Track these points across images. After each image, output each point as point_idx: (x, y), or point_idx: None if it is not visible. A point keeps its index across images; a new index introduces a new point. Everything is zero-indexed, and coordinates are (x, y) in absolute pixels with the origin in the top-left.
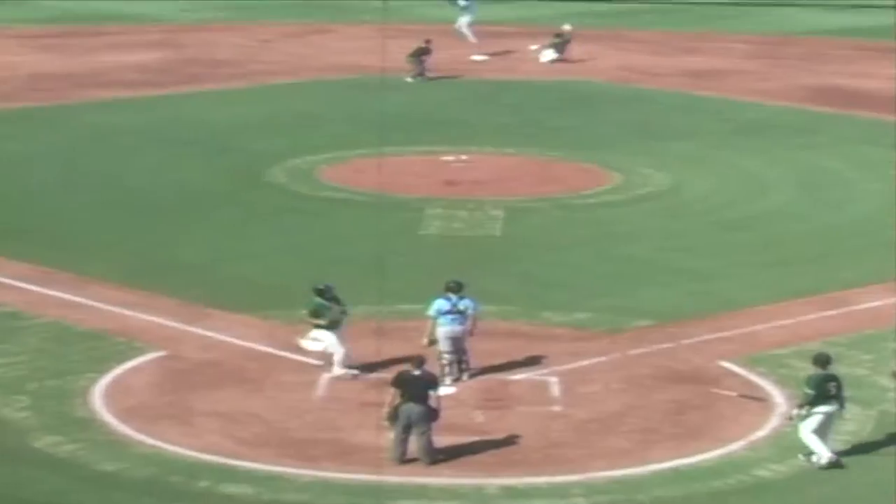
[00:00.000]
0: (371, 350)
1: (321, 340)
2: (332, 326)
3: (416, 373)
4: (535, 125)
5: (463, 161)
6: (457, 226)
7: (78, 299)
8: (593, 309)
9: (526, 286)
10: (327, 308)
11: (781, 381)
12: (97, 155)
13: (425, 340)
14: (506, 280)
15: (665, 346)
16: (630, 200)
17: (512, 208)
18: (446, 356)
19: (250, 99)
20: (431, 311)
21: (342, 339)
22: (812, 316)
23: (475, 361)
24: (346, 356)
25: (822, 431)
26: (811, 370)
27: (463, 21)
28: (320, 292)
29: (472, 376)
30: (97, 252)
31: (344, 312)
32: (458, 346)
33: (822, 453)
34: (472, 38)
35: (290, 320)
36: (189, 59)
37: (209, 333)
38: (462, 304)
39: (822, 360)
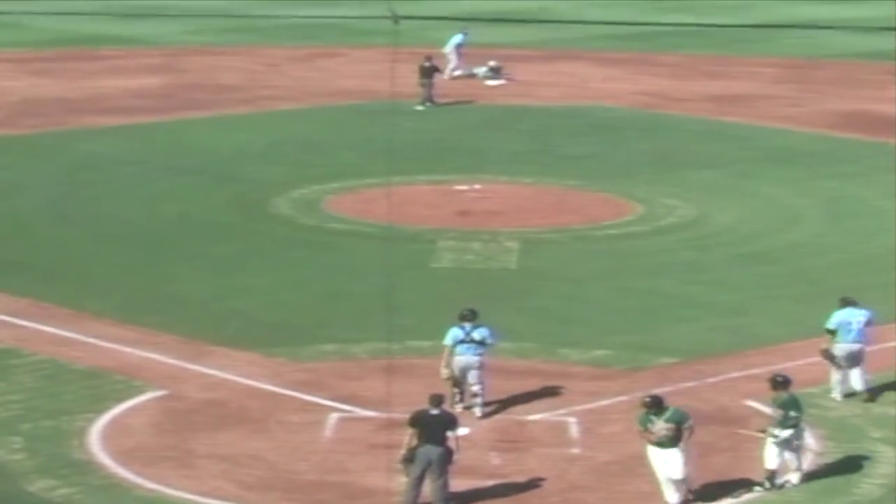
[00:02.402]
0: (380, 389)
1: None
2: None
3: (434, 412)
4: (551, 153)
5: (476, 190)
6: (470, 258)
7: (74, 336)
8: (614, 346)
9: (543, 322)
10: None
11: (813, 422)
12: (94, 185)
13: (444, 371)
14: (522, 315)
15: (689, 384)
16: (652, 232)
17: (528, 240)
18: (457, 387)
19: (254, 126)
20: (448, 340)
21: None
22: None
23: (489, 397)
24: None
25: (790, 451)
26: (779, 393)
27: (453, 42)
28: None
29: (484, 413)
30: (94, 286)
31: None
32: (473, 376)
33: (792, 476)
34: (453, 61)
35: (295, 357)
36: (191, 83)
37: (211, 371)
38: (476, 333)
39: (783, 383)
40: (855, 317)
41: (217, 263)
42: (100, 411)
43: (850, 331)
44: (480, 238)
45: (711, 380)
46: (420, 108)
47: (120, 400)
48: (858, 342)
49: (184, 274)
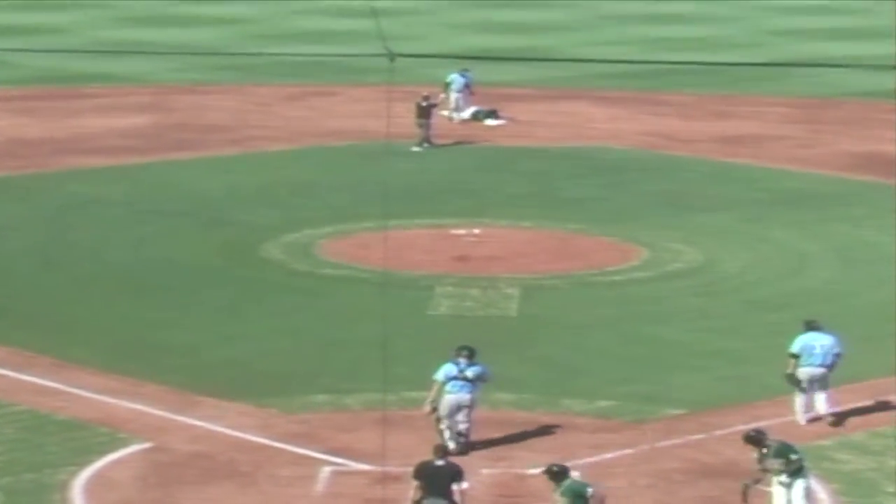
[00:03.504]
0: (375, 441)
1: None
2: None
3: (439, 463)
4: (553, 195)
5: (475, 235)
6: (469, 305)
7: (56, 385)
8: (618, 396)
9: (544, 371)
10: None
11: (825, 476)
12: (79, 227)
13: (428, 406)
14: (522, 364)
15: (697, 436)
16: (658, 277)
17: (528, 286)
18: (445, 422)
19: (245, 167)
20: (439, 376)
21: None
22: (857, 404)
23: (486, 451)
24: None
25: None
26: (765, 446)
27: (458, 84)
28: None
29: (462, 450)
30: (78, 334)
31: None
32: (463, 414)
33: None
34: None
35: (287, 408)
36: (179, 123)
37: (199, 423)
38: (470, 371)
39: (760, 435)
40: (819, 341)
41: (206, 310)
42: (83, 464)
43: (813, 355)
44: (479, 284)
45: (719, 432)
46: (417, 149)
47: (104, 453)
48: (822, 366)
49: (171, 321)
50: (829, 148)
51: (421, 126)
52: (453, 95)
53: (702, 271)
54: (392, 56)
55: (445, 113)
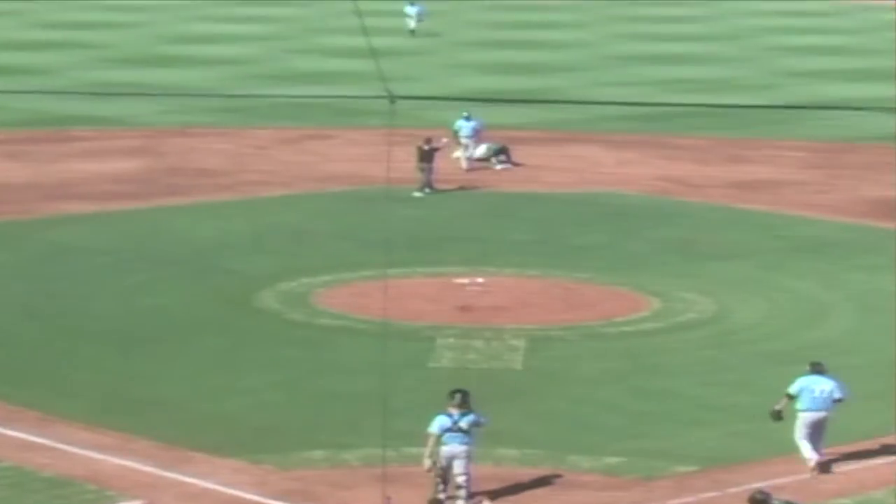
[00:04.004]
0: (374, 499)
1: None
2: None
3: None
4: (560, 243)
5: (479, 284)
6: (472, 357)
7: (42, 441)
8: (627, 452)
9: (551, 426)
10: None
11: None
12: (65, 277)
13: (427, 462)
14: (528, 419)
15: (709, 495)
16: (669, 329)
17: (534, 338)
18: (440, 476)
19: (239, 213)
20: (434, 428)
21: None
22: (878, 461)
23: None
24: None
25: None
26: None
27: (469, 129)
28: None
29: None
30: (64, 387)
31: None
32: (459, 466)
33: None
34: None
35: (283, 464)
36: (170, 167)
37: (191, 480)
38: (464, 422)
39: (764, 499)
40: (819, 385)
41: (198, 362)
42: None
43: (812, 398)
44: (483, 335)
45: (733, 489)
46: (418, 194)
47: None
48: (822, 410)
49: (161, 373)
50: (848, 194)
51: (422, 171)
52: (462, 142)
53: (715, 322)
54: (392, 98)
55: (458, 155)
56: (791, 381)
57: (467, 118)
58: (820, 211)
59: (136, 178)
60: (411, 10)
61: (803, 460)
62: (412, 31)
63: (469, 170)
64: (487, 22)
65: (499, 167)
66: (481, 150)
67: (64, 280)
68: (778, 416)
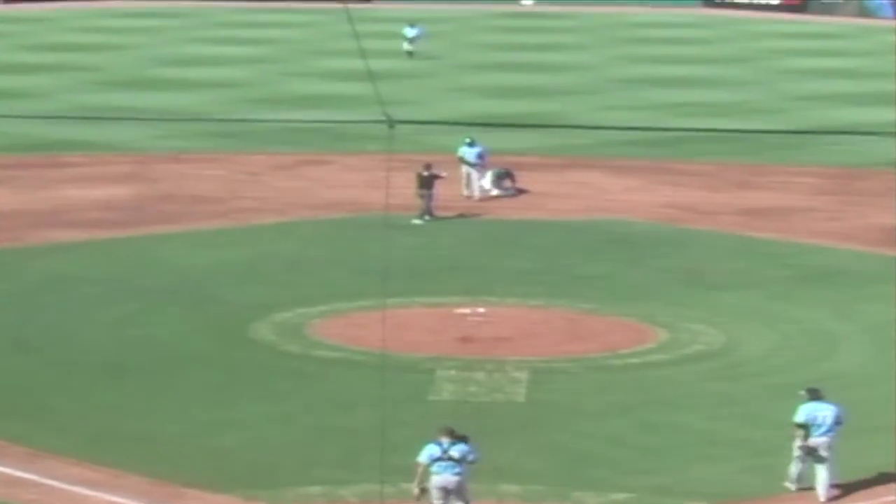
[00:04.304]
0: None
1: None
2: None
3: None
4: (564, 272)
5: (480, 314)
6: (473, 390)
7: (30, 476)
8: (633, 488)
9: (555, 461)
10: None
11: None
12: (54, 307)
13: (416, 490)
14: (531, 454)
15: None
16: (677, 361)
17: (537, 370)
18: None
19: (233, 241)
20: (422, 458)
21: None
22: (893, 498)
23: None
24: None
25: None
26: None
27: (474, 154)
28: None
29: None
30: (53, 421)
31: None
32: (452, 498)
33: None
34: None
35: (278, 501)
36: (162, 194)
37: None
38: (455, 450)
39: None
40: (822, 411)
41: (190, 395)
42: None
43: (817, 425)
44: (485, 367)
45: None
46: (418, 221)
47: None
48: (826, 436)
49: (153, 407)
50: (860, 221)
51: (422, 197)
52: (465, 169)
53: (723, 354)
54: (391, 123)
55: (466, 194)
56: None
57: (470, 144)
58: (831, 239)
59: (128, 204)
60: (410, 31)
61: (789, 478)
62: (410, 54)
63: (481, 199)
64: (488, 44)
65: (495, 192)
66: (487, 179)
67: (53, 310)
68: (808, 450)
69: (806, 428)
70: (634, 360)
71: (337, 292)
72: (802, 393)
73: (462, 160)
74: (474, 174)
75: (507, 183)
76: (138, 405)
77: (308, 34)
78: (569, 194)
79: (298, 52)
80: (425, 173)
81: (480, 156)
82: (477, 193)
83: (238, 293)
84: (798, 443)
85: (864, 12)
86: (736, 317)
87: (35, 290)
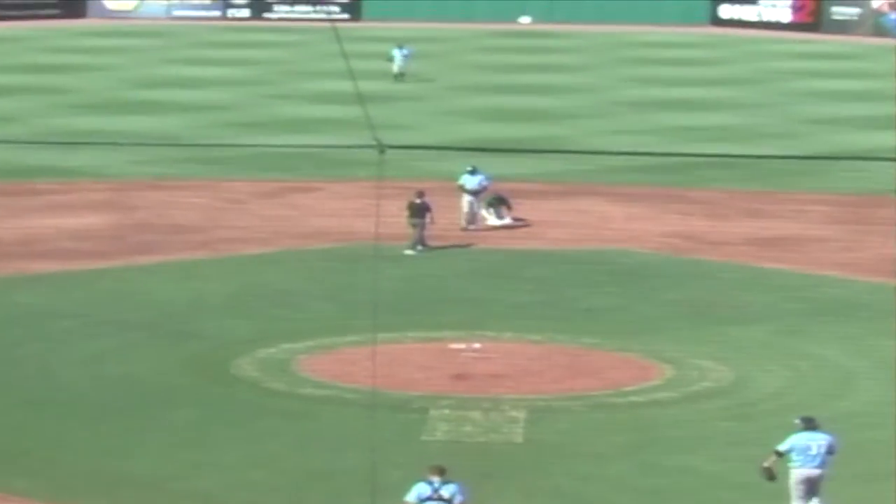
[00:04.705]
0: None
1: None
2: None
3: None
4: (564, 305)
5: (476, 350)
6: (468, 430)
7: None
8: None
9: None
10: None
11: None
12: (27, 342)
13: None
14: (529, 498)
15: None
16: (683, 399)
17: (536, 408)
18: None
19: (215, 273)
20: (411, 497)
21: None
22: None
23: None
24: None
25: None
26: None
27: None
28: None
29: None
30: (24, 463)
31: None
32: None
33: None
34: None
35: None
36: (140, 223)
37: None
38: (445, 490)
39: None
40: (815, 440)
41: (171, 436)
42: None
43: (809, 455)
44: (480, 406)
45: None
46: (410, 252)
47: None
48: (819, 468)
49: (130, 448)
50: (877, 251)
51: (415, 226)
52: (466, 199)
53: (733, 392)
54: (382, 147)
55: (463, 225)
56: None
57: (472, 172)
58: (845, 270)
59: (104, 234)
60: (398, 52)
61: None
62: (398, 77)
63: (483, 229)
64: (485, 64)
65: (498, 222)
66: (486, 212)
67: (26, 345)
68: (769, 474)
69: (780, 455)
70: (639, 399)
71: (325, 326)
72: (797, 421)
73: (462, 189)
74: (476, 205)
75: (503, 211)
76: (115, 446)
77: (294, 54)
78: (570, 223)
79: (284, 73)
80: (417, 201)
81: (482, 185)
82: (472, 227)
83: (220, 328)
84: (791, 479)
85: (880, 31)
86: (746, 352)
87: (7, 324)
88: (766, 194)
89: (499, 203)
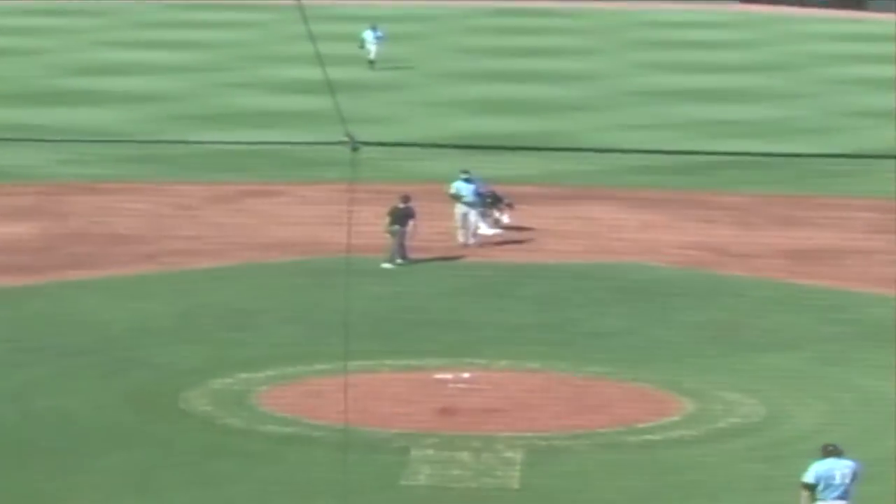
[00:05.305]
0: None
1: None
2: None
3: None
4: (568, 328)
5: (464, 380)
6: (456, 474)
7: None
8: None
9: None
10: None
11: None
12: None
13: None
14: None
15: None
16: (706, 437)
17: (535, 449)
18: None
19: (162, 291)
20: None
21: None
22: None
23: None
24: None
25: None
26: None
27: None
28: None
29: None
30: None
31: None
32: None
33: None
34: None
35: None
36: (74, 233)
37: None
38: None
39: None
40: (839, 469)
41: (111, 480)
42: None
43: (833, 486)
44: (470, 446)
45: None
46: (388, 265)
47: None
48: (843, 499)
49: (66, 492)
50: None
51: (393, 235)
52: (460, 210)
53: (764, 429)
54: (355, 144)
55: (462, 241)
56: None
57: (468, 179)
58: (893, 287)
59: (32, 246)
60: (371, 34)
61: None
62: (371, 63)
63: (479, 245)
64: (472, 48)
65: (487, 232)
66: (483, 221)
67: None
68: None
69: (812, 489)
70: (654, 437)
71: (289, 353)
72: (822, 450)
73: (456, 198)
74: (472, 216)
75: (497, 213)
76: (47, 491)
77: (253, 36)
78: (575, 232)
79: (241, 58)
80: (401, 206)
81: (480, 193)
82: (472, 241)
83: (168, 355)
84: None
85: None
86: (779, 383)
87: None
88: (802, 199)
89: (491, 205)
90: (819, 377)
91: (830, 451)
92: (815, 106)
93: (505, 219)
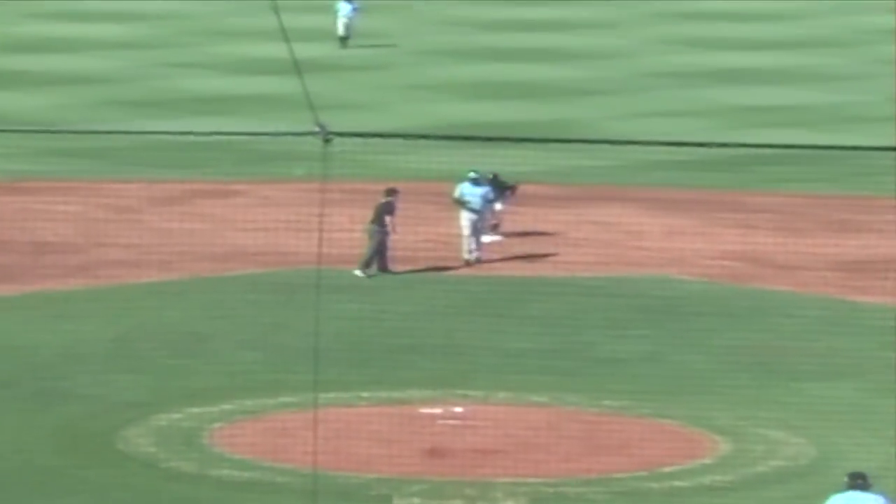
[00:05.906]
0: None
1: None
2: None
3: None
4: (579, 354)
5: (456, 415)
6: None
7: None
8: None
9: None
10: None
11: None
12: None
13: None
14: None
15: None
16: (743, 483)
17: (541, 496)
18: None
19: (96, 309)
20: None
21: None
22: None
23: None
24: None
25: None
26: None
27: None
28: None
29: None
30: None
31: None
32: None
33: None
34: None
35: None
36: None
37: None
38: None
39: None
40: (863, 502)
41: None
42: None
43: None
44: (463, 493)
45: None
46: (358, 272)
47: None
48: None
49: None
50: None
51: (370, 235)
52: (466, 218)
53: (813, 473)
54: (327, 135)
55: (468, 257)
56: None
57: (475, 181)
58: None
59: None
60: (345, 4)
61: None
62: (343, 40)
63: (482, 261)
64: (464, 20)
65: (484, 239)
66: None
67: None
68: None
69: None
70: (682, 483)
71: (248, 383)
72: (846, 480)
73: (460, 203)
74: (481, 226)
75: (499, 204)
76: None
77: (204, 7)
78: (587, 239)
79: (191, 32)
80: (383, 200)
81: (489, 198)
82: (478, 253)
83: (103, 385)
84: None
85: None
86: (830, 419)
87: None
88: (858, 200)
89: (492, 201)
90: (879, 411)
91: (855, 483)
92: (874, 90)
93: (498, 205)
